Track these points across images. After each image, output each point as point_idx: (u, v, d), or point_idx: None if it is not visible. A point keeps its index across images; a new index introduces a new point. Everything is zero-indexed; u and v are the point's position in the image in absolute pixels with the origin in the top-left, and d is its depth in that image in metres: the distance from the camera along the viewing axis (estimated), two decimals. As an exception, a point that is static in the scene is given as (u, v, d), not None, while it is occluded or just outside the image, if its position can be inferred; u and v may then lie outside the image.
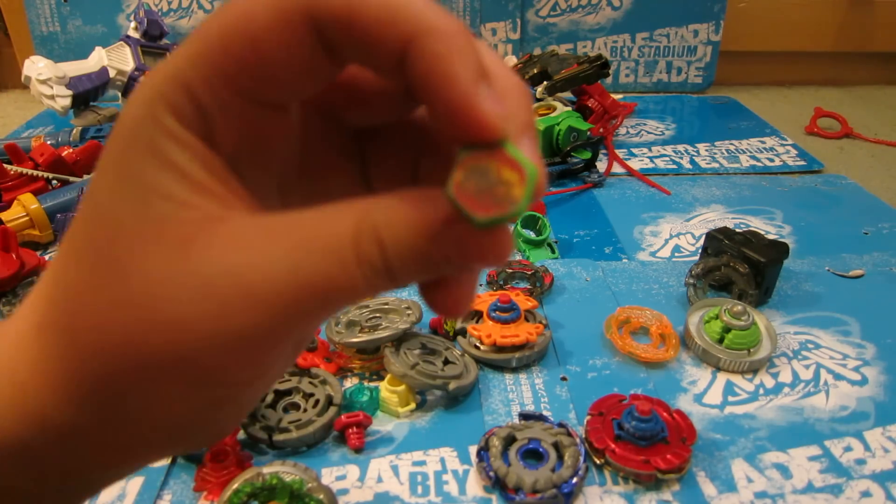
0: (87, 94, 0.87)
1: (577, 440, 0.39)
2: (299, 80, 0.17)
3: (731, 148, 0.88)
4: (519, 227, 0.62)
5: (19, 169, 0.66)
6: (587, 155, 0.77)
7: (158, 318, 0.15)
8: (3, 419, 0.17)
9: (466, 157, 0.15)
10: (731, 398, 0.45)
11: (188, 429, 0.18)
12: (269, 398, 0.42)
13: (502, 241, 0.15)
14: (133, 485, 0.38)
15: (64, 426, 0.17)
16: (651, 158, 0.84)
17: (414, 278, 0.16)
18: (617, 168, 0.81)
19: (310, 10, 0.15)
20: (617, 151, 0.85)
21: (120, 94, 0.93)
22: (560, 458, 0.38)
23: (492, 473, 0.37)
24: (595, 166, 0.79)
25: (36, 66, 0.83)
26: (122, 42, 0.93)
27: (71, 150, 0.70)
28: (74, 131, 0.79)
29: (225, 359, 0.16)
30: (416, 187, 0.16)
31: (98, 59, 0.89)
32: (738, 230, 0.56)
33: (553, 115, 0.80)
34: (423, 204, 0.15)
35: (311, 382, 0.44)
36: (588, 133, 0.77)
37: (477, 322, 0.50)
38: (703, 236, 0.57)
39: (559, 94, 0.91)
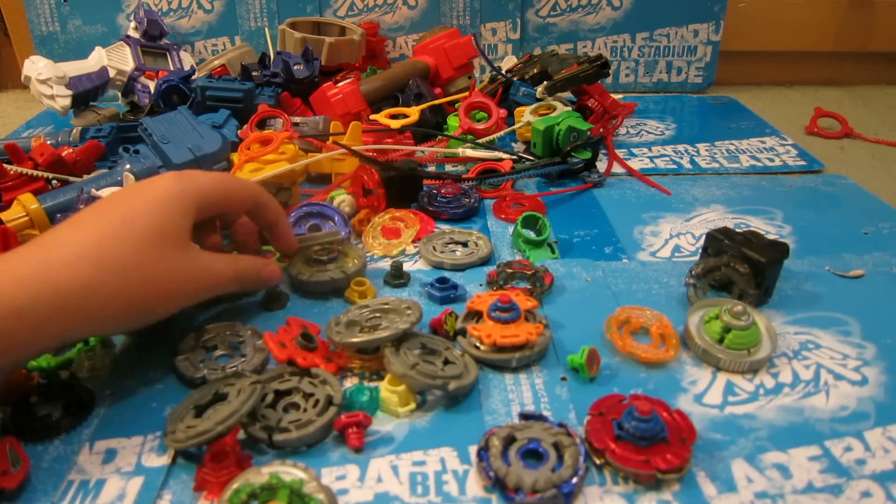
0: (87, 94, 0.87)
1: (577, 440, 0.39)
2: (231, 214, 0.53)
3: (731, 148, 0.88)
4: (519, 227, 0.62)
5: (19, 169, 0.66)
6: (587, 155, 0.77)
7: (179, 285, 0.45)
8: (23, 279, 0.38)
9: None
10: (731, 398, 0.45)
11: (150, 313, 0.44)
12: (270, 398, 0.42)
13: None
14: (133, 485, 0.38)
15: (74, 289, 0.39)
16: (651, 158, 0.85)
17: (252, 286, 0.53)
18: (617, 168, 0.81)
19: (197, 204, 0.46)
20: (617, 151, 0.85)
21: (120, 94, 0.93)
22: (560, 458, 0.38)
23: (492, 473, 0.37)
24: (595, 166, 0.79)
25: (36, 66, 0.83)
26: (122, 42, 0.93)
27: (71, 150, 0.69)
28: (74, 131, 0.79)
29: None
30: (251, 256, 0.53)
31: (98, 59, 0.89)
32: (738, 230, 0.56)
33: (553, 114, 0.80)
34: (256, 262, 0.52)
35: (311, 382, 0.44)
36: (588, 133, 0.77)
37: (477, 322, 0.50)
38: (704, 236, 0.57)
39: (559, 94, 0.91)
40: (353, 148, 0.71)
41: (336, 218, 0.64)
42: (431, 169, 0.80)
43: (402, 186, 0.68)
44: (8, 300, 0.36)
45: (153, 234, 0.42)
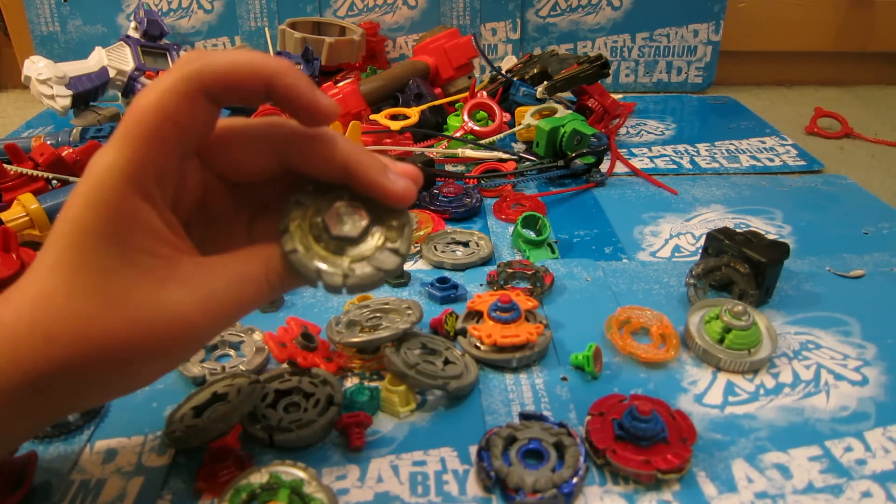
0: (87, 94, 0.87)
1: (578, 440, 0.39)
2: (202, 129, 0.28)
3: (731, 148, 0.88)
4: (519, 227, 0.62)
5: (19, 169, 0.66)
6: (591, 160, 0.77)
7: (147, 329, 0.26)
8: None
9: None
10: (731, 398, 0.45)
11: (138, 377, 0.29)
12: (270, 398, 0.42)
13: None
14: (133, 485, 0.38)
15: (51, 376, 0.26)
16: (651, 158, 0.84)
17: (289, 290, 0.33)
18: (618, 168, 0.81)
19: (202, 83, 0.26)
20: (617, 152, 0.85)
21: (120, 94, 0.93)
22: (560, 458, 0.38)
23: (492, 473, 0.37)
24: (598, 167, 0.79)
25: (36, 66, 0.83)
26: (122, 42, 0.93)
27: (71, 150, 0.69)
28: (74, 131, 0.79)
29: (175, 350, 0.28)
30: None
31: (98, 59, 0.89)
32: (738, 230, 0.56)
33: (558, 115, 0.80)
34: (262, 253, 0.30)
35: (311, 382, 0.44)
36: (592, 139, 0.77)
37: (477, 322, 0.50)
38: (704, 236, 0.57)
39: (559, 94, 0.91)
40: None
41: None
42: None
43: None
44: None
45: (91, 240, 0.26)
